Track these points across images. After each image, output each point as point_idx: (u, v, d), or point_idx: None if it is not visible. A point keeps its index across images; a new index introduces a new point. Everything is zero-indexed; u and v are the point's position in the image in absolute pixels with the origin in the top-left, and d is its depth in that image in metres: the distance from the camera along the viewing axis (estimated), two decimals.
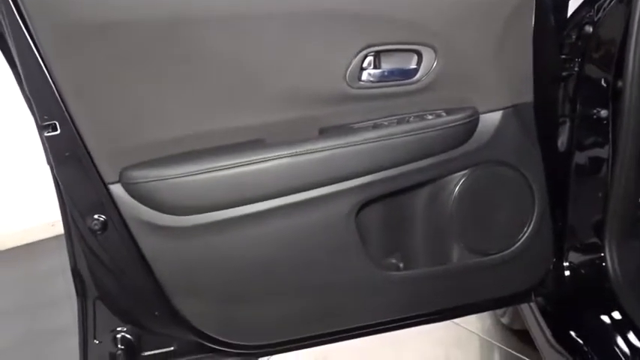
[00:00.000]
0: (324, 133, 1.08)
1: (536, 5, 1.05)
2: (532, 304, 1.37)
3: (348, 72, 1.04)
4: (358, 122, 1.10)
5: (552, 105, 1.21)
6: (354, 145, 1.06)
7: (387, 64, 1.07)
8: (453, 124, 1.09)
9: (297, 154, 1.04)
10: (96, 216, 1.03)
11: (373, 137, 1.06)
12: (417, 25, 1.02)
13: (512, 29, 1.05)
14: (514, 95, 1.12)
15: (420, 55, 1.06)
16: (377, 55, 1.06)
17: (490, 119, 1.13)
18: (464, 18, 1.03)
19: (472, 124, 1.11)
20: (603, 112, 1.20)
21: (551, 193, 1.21)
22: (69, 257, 1.14)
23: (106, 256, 1.08)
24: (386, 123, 1.10)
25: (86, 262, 1.11)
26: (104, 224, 1.04)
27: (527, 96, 1.13)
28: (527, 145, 1.17)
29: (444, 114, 1.10)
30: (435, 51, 1.05)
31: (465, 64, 1.07)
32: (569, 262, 1.31)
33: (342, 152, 1.06)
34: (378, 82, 1.07)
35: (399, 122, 1.09)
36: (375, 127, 1.09)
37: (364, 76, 1.06)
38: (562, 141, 1.27)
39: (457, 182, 1.16)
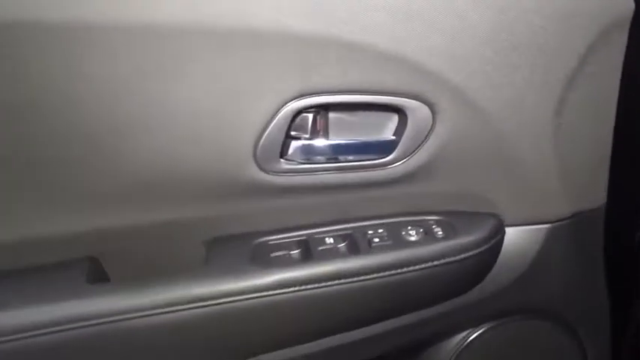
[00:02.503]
0: (195, 274, 0.54)
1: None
2: None
3: (260, 143, 0.51)
4: (274, 238, 0.57)
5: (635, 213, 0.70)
6: (255, 296, 0.52)
7: (338, 131, 0.55)
8: (460, 255, 0.56)
9: (140, 316, 0.49)
10: None
11: (303, 277, 0.53)
12: (413, 63, 0.51)
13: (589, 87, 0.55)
14: (574, 197, 0.61)
15: (403, 116, 0.54)
16: (319, 113, 0.54)
17: (523, 237, 0.62)
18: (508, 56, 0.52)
19: (492, 249, 0.59)
20: None
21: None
22: None
23: None
24: (329, 242, 0.57)
25: None
26: None
27: (596, 198, 0.63)
28: (585, 281, 0.66)
29: (439, 231, 0.58)
30: (434, 111, 0.53)
31: (489, 138, 0.55)
32: None
33: (239, 309, 0.52)
34: (317, 164, 0.55)
35: (353, 243, 0.57)
36: (307, 254, 0.56)
37: (292, 150, 0.54)
38: None
39: (459, 347, 0.63)
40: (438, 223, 0.59)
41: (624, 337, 0.74)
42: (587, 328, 0.70)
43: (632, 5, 0.53)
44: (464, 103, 0.52)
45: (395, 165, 0.55)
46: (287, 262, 0.54)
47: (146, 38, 0.45)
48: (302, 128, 0.53)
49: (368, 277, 0.53)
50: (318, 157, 0.54)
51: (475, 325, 0.65)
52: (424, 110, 0.53)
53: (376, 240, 0.56)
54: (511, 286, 0.62)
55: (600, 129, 0.58)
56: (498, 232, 0.59)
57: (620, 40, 0.54)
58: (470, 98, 0.52)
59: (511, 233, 0.61)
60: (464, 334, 0.65)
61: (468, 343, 0.64)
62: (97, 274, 0.54)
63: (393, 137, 0.55)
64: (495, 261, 0.60)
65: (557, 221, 0.61)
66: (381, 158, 0.55)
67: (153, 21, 0.44)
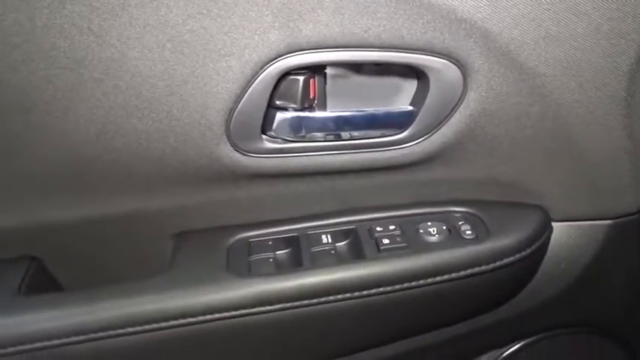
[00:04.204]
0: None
1: None
2: None
3: (234, 116, 0.38)
4: (255, 235, 0.45)
5: None
6: (230, 315, 0.40)
7: (339, 99, 0.42)
8: (494, 263, 0.44)
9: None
10: None
11: (290, 290, 0.41)
12: (440, 7, 0.36)
13: None
14: (637, 190, 0.47)
15: (424, 79, 0.41)
16: (312, 76, 0.41)
17: (576, 236, 0.48)
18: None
19: (535, 253, 0.46)
20: None
21: None
22: None
23: None
24: (325, 242, 0.45)
25: None
26: None
27: None
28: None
29: (467, 229, 0.45)
30: (466, 73, 0.39)
31: (538, 111, 0.41)
32: None
33: (209, 331, 0.41)
34: (310, 142, 0.42)
35: (356, 243, 0.44)
36: (296, 257, 0.44)
37: (277, 125, 0.41)
38: None
39: None
40: (465, 217, 0.46)
41: None
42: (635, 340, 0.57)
43: None
44: (507, 63, 0.38)
45: (412, 143, 0.43)
46: (270, 269, 0.43)
47: None
48: (290, 96, 0.40)
49: (374, 291, 0.41)
50: (312, 134, 0.42)
51: (508, 342, 0.53)
52: (453, 71, 0.39)
53: (386, 241, 0.43)
54: (557, 296, 0.50)
55: None
56: (544, 230, 0.46)
57: None
58: (515, 57, 0.38)
59: (560, 231, 0.48)
60: (494, 352, 0.53)
61: None
62: (39, 277, 0.44)
63: (411, 108, 0.42)
64: (538, 267, 0.48)
65: (619, 217, 0.47)
66: (395, 135, 0.42)
67: None
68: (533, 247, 0.45)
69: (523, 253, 0.44)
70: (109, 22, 0.34)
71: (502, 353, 0.53)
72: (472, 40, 0.37)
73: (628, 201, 0.47)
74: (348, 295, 0.41)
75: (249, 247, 0.44)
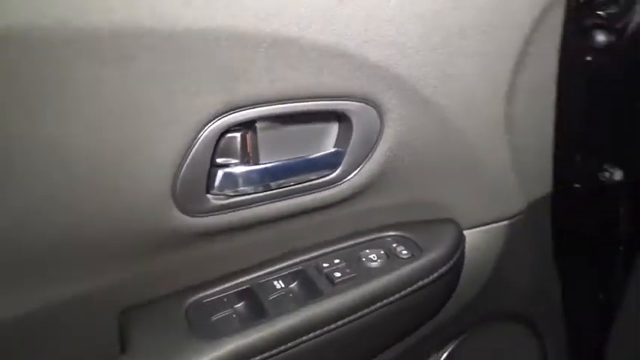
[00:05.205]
0: None
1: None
2: None
3: (180, 178, 0.39)
4: (209, 294, 0.45)
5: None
6: None
7: (271, 150, 0.45)
8: (431, 275, 0.49)
9: None
10: None
11: (259, 342, 0.41)
12: (354, 58, 0.42)
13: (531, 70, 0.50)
14: (527, 188, 0.56)
15: (346, 122, 0.45)
16: (247, 131, 0.43)
17: (484, 239, 0.56)
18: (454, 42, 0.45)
19: (459, 259, 0.52)
20: None
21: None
22: None
23: None
24: (279, 287, 0.46)
25: None
26: None
27: (545, 186, 0.59)
28: (544, 275, 0.63)
29: (402, 250, 0.50)
30: (381, 112, 0.45)
31: (443, 137, 0.48)
32: None
33: None
34: (252, 194, 0.44)
35: (309, 282, 0.47)
36: (257, 307, 0.44)
37: (219, 182, 0.42)
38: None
39: None
40: (397, 240, 0.51)
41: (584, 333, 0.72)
42: (547, 325, 0.67)
43: None
44: (414, 99, 0.45)
45: (344, 181, 0.47)
46: (236, 324, 0.43)
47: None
48: (229, 153, 0.42)
49: (336, 324, 0.44)
50: (253, 186, 0.44)
51: (444, 345, 0.58)
52: (371, 112, 0.44)
53: (338, 274, 0.46)
54: (478, 295, 0.56)
55: (546, 114, 0.55)
56: (461, 240, 0.53)
57: (557, 18, 0.51)
58: (420, 93, 0.45)
59: (471, 237, 0.55)
60: (434, 357, 0.58)
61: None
62: None
63: (337, 149, 0.46)
64: (461, 271, 0.54)
65: (515, 216, 0.56)
66: (327, 175, 0.46)
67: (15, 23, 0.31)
68: (457, 256, 0.51)
69: (451, 262, 0.50)
70: (45, 98, 0.33)
71: (440, 357, 0.59)
72: (385, 84, 0.43)
73: (517, 201, 0.56)
74: (317, 332, 0.43)
75: (206, 307, 0.44)
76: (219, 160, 0.42)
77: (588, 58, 0.59)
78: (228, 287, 0.45)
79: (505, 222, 0.56)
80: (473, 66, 0.46)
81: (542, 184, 0.58)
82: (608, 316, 0.71)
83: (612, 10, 0.61)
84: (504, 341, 0.64)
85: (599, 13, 0.61)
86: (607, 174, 0.75)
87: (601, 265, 0.73)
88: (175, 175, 0.39)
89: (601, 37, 0.63)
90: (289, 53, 0.39)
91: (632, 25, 0.62)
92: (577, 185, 0.63)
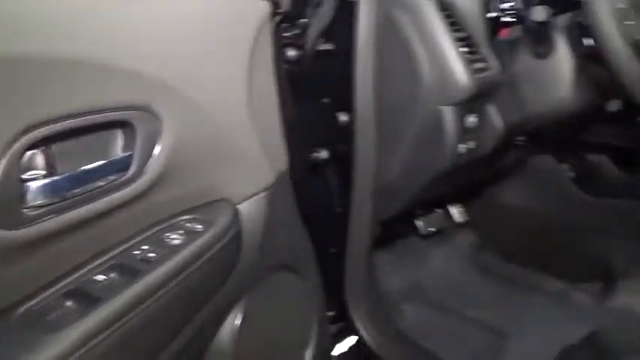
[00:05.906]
0: None
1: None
2: None
3: None
4: (37, 302, 0.49)
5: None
6: None
7: (70, 160, 0.51)
8: (225, 238, 0.62)
9: None
10: None
11: (106, 317, 0.48)
12: (129, 72, 0.52)
13: (257, 66, 0.68)
14: (274, 165, 0.74)
15: (131, 129, 0.54)
16: (48, 146, 0.48)
17: (252, 209, 0.71)
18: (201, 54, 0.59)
19: (239, 226, 0.67)
20: None
21: None
22: None
23: None
24: (101, 280, 0.52)
25: None
26: None
27: (284, 162, 0.78)
28: (297, 231, 0.82)
29: (197, 225, 0.62)
30: (159, 118, 0.56)
31: (209, 133, 0.62)
32: None
33: None
34: (62, 201, 0.49)
35: (129, 268, 0.54)
36: (89, 301, 0.50)
37: (30, 195, 0.47)
38: None
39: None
40: (189, 221, 0.62)
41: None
42: (304, 270, 0.87)
43: (268, 8, 0.70)
44: (187, 104, 0.57)
45: (136, 180, 0.55)
46: (71, 318, 0.47)
47: None
48: (34, 166, 0.47)
49: (161, 292, 0.53)
50: (59, 195, 0.49)
51: (236, 302, 0.72)
52: (151, 119, 0.55)
53: (150, 255, 0.55)
54: (257, 254, 0.71)
55: (274, 110, 0.74)
56: (236, 213, 0.67)
57: (267, 36, 0.70)
58: (192, 99, 0.57)
59: (243, 208, 0.69)
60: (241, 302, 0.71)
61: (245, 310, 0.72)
62: None
63: (128, 153, 0.55)
64: (241, 237, 0.68)
65: (269, 188, 0.73)
66: (122, 176, 0.54)
67: None
68: (236, 226, 0.65)
69: (232, 232, 0.64)
70: None
71: (237, 313, 0.72)
72: (162, 93, 0.54)
73: (268, 176, 0.73)
74: (144, 305, 0.51)
75: (40, 312, 0.47)
76: (27, 175, 0.46)
77: (287, 67, 0.82)
78: (57, 290, 0.49)
79: (263, 193, 0.72)
80: (223, 75, 0.61)
81: (281, 161, 0.77)
82: (338, 262, 0.99)
83: (294, 31, 0.86)
84: (280, 289, 0.81)
85: (285, 34, 0.86)
86: (316, 154, 1.02)
87: (328, 224, 0.99)
88: None
89: (291, 52, 0.87)
90: (78, 74, 0.47)
91: (308, 42, 0.89)
92: (299, 162, 0.86)
